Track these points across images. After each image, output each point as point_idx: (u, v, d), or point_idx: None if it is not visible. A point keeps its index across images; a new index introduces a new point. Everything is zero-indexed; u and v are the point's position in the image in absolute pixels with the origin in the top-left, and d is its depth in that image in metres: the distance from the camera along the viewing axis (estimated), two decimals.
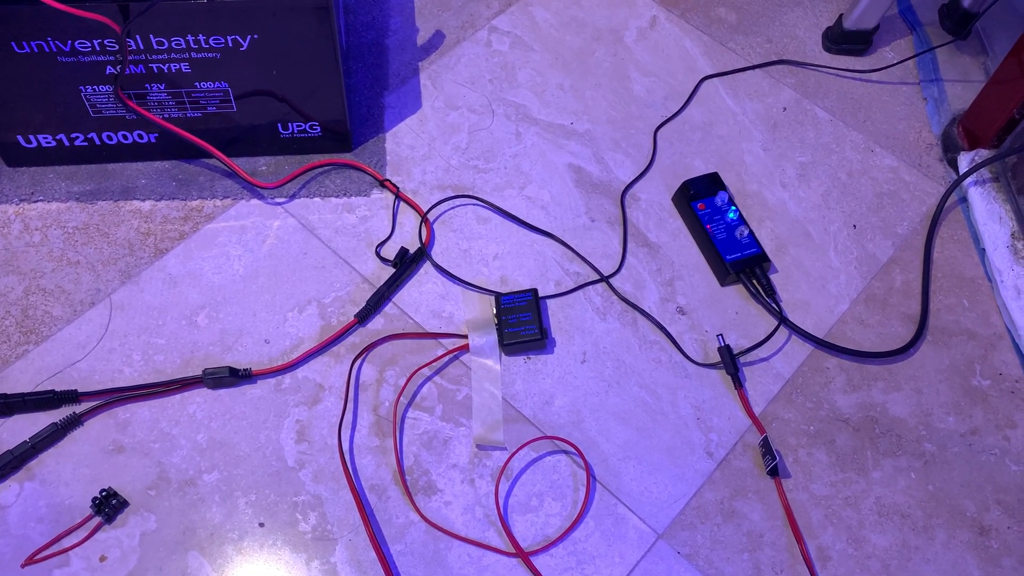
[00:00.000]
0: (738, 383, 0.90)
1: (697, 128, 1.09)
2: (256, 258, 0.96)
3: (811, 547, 0.83)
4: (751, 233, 0.97)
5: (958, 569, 0.82)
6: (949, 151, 1.08)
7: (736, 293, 0.97)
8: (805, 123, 1.11)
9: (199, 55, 0.89)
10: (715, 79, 1.14)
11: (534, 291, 0.93)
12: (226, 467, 0.83)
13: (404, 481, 0.83)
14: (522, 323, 0.91)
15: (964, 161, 1.05)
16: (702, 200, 0.99)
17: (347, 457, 0.84)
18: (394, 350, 0.91)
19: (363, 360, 0.90)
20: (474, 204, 1.02)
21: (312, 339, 0.91)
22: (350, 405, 0.87)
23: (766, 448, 0.86)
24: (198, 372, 0.87)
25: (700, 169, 1.05)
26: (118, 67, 0.88)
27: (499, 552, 0.81)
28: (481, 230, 1.00)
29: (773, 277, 0.98)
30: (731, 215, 0.98)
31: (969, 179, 1.04)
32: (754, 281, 0.96)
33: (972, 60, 1.16)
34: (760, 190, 1.05)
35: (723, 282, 0.97)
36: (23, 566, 0.77)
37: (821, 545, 0.83)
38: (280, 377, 0.89)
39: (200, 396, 0.87)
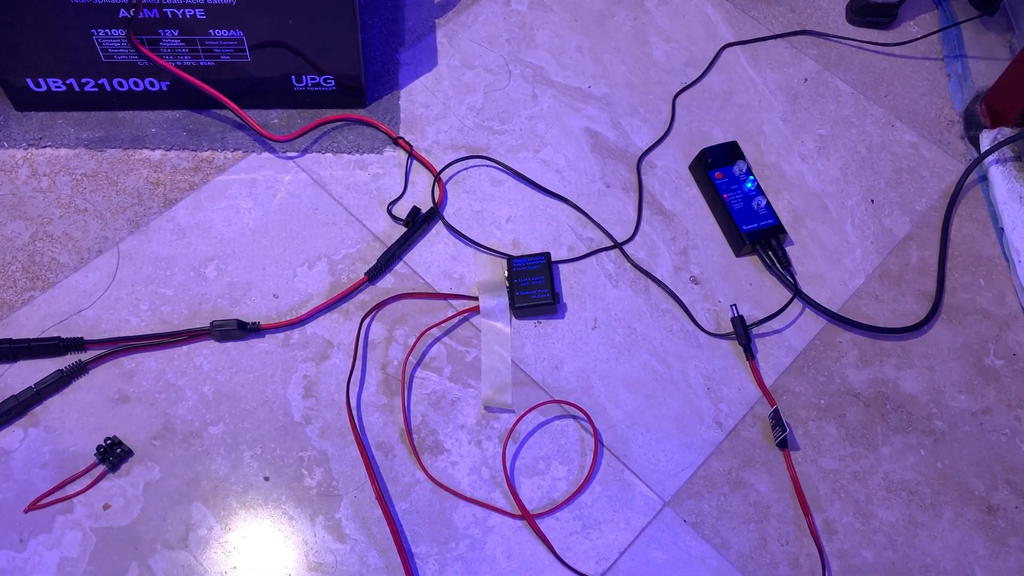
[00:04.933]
0: (750, 354, 0.89)
1: (716, 96, 1.08)
2: (266, 212, 0.95)
3: (818, 520, 0.82)
4: (768, 204, 0.96)
5: (964, 547, 0.82)
6: (971, 128, 1.07)
7: (751, 264, 0.96)
8: (826, 95, 1.09)
9: (215, 1, 0.87)
10: (736, 47, 1.12)
11: (547, 255, 0.92)
12: (232, 420, 0.83)
13: (411, 440, 0.83)
14: (534, 287, 0.90)
15: (986, 139, 1.03)
16: (720, 169, 0.98)
17: (354, 414, 0.83)
18: (404, 309, 0.90)
19: (372, 318, 0.89)
20: (488, 165, 1.00)
21: (321, 295, 0.90)
22: (358, 362, 0.86)
23: (776, 420, 0.85)
24: (205, 324, 0.86)
25: (718, 138, 1.04)
26: (132, 11, 0.86)
27: (504, 513, 0.80)
28: (495, 192, 0.98)
29: (789, 249, 0.97)
30: (749, 185, 0.97)
31: (990, 157, 1.02)
32: (770, 252, 0.95)
33: (998, 37, 1.14)
34: (778, 161, 1.03)
35: (738, 252, 0.96)
36: (26, 511, 0.77)
37: (828, 518, 0.83)
38: (288, 332, 0.88)
39: (207, 348, 0.86)
